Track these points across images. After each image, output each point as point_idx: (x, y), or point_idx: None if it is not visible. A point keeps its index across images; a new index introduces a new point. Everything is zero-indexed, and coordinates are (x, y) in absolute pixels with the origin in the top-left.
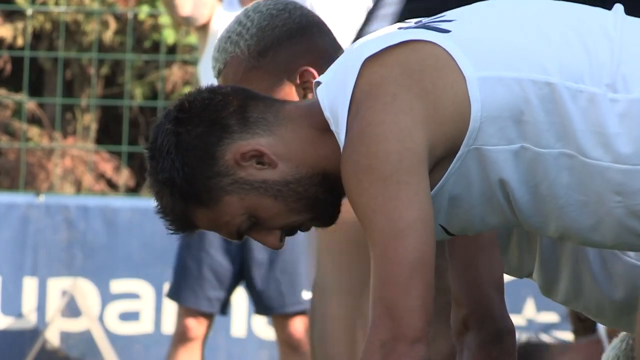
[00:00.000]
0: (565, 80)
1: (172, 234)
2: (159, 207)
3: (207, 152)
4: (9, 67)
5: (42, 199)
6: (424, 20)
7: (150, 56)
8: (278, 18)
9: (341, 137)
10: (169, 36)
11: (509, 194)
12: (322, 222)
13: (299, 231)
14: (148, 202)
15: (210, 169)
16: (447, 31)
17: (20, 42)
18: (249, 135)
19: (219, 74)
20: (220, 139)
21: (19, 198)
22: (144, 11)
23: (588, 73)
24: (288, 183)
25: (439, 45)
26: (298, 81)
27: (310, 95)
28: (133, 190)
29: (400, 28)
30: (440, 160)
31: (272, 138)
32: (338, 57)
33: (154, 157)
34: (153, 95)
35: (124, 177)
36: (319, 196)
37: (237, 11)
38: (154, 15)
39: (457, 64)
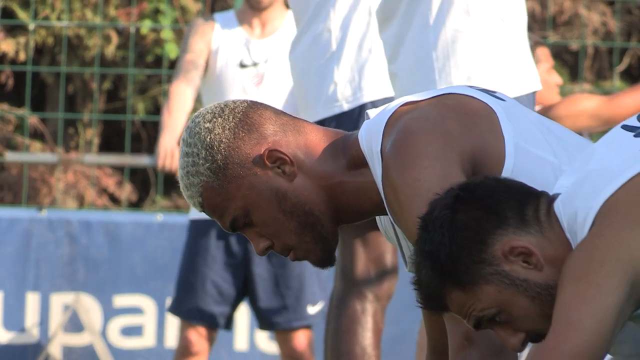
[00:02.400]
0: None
1: (420, 307)
2: (416, 278)
3: (478, 236)
4: (11, 82)
5: (44, 213)
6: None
7: (152, 71)
8: (215, 127)
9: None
10: (171, 50)
11: None
12: None
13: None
14: (150, 217)
15: (477, 253)
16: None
17: (22, 56)
18: (522, 232)
19: (202, 207)
20: (495, 228)
21: (22, 213)
22: (146, 26)
23: None
24: (549, 288)
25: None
26: (269, 164)
27: (287, 168)
28: (135, 205)
29: (626, 129)
30: None
31: (543, 240)
32: (286, 120)
33: (425, 227)
34: (155, 109)
35: (127, 191)
36: None
37: (236, 28)
38: (156, 30)
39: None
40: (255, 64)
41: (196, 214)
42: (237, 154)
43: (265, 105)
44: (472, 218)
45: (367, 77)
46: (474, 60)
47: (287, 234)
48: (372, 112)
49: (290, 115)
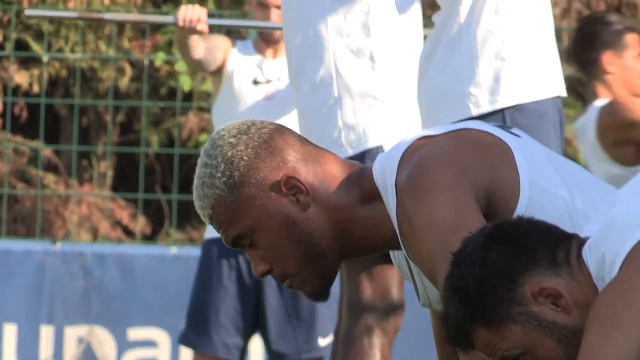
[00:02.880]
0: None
1: (448, 343)
2: (443, 313)
3: (509, 275)
4: (24, 114)
5: (58, 246)
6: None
7: (166, 103)
8: (239, 144)
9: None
10: (185, 83)
11: None
12: None
13: None
14: (164, 250)
15: (506, 292)
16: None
17: (36, 88)
18: (553, 274)
19: (210, 219)
20: (526, 268)
21: (36, 245)
22: (159, 58)
23: None
24: (576, 331)
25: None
26: (285, 190)
27: (301, 197)
28: (149, 238)
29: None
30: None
31: (572, 283)
32: (310, 149)
33: (457, 263)
34: (169, 142)
35: (140, 224)
36: None
37: (252, 55)
38: (170, 62)
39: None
40: (268, 82)
41: (210, 233)
42: (255, 174)
43: (292, 131)
44: (503, 257)
45: (371, 123)
46: (501, 61)
47: (289, 261)
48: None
49: (314, 145)
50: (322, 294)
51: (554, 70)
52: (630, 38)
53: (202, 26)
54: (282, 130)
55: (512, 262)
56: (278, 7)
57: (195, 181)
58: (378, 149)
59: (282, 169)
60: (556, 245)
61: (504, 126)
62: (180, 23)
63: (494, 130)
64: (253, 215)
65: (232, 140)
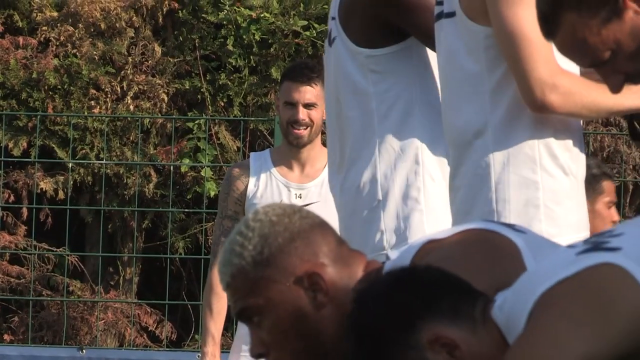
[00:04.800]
0: None
1: None
2: (346, 349)
3: (408, 320)
4: (50, 221)
5: (84, 352)
6: (592, 239)
7: (192, 209)
8: (279, 224)
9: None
10: (211, 189)
11: None
12: None
13: None
14: (191, 356)
15: (404, 336)
16: (618, 249)
17: (61, 195)
18: (454, 325)
19: (227, 286)
20: (426, 315)
21: (62, 352)
22: (185, 164)
23: None
24: None
25: (615, 264)
26: (306, 284)
27: (319, 297)
28: (176, 344)
29: (570, 248)
30: None
31: (472, 337)
32: (343, 250)
33: (361, 302)
34: (196, 248)
35: (167, 330)
36: None
37: (271, 169)
38: (195, 168)
39: (635, 278)
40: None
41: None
42: (284, 258)
43: (333, 231)
44: (407, 301)
45: (412, 226)
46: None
47: (287, 352)
48: (393, 253)
49: (351, 249)
50: None
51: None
52: (606, 185)
53: None
54: (324, 225)
55: (413, 307)
56: (305, 106)
57: (226, 245)
58: None
59: (310, 262)
60: (461, 299)
61: (508, 224)
62: None
63: (500, 228)
64: (267, 297)
65: (273, 218)
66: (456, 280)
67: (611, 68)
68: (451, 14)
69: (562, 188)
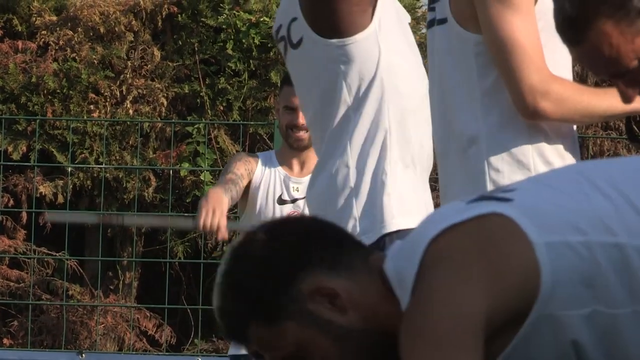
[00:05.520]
0: (632, 240)
1: (224, 337)
2: (218, 306)
3: (288, 272)
4: (49, 225)
5: (84, 357)
6: (486, 193)
7: (191, 213)
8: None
9: (405, 301)
10: None
11: (582, 355)
12: None
13: None
14: None
15: (284, 288)
16: (509, 200)
17: (60, 199)
18: (333, 273)
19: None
20: (305, 266)
21: (62, 356)
22: (184, 168)
23: None
24: (351, 332)
25: (504, 215)
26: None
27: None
28: (175, 348)
29: (462, 202)
30: (505, 326)
31: (352, 284)
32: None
33: (237, 258)
34: (195, 253)
35: (166, 334)
36: (375, 355)
37: (276, 167)
38: (194, 172)
39: (523, 231)
40: (293, 201)
41: (235, 349)
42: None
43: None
44: (284, 254)
45: (386, 210)
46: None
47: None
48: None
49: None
50: None
51: None
52: None
53: (223, 234)
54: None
55: (292, 259)
56: None
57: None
58: (395, 235)
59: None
60: (341, 248)
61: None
62: (201, 229)
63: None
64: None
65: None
66: (339, 230)
67: (631, 78)
68: (443, 21)
69: None
